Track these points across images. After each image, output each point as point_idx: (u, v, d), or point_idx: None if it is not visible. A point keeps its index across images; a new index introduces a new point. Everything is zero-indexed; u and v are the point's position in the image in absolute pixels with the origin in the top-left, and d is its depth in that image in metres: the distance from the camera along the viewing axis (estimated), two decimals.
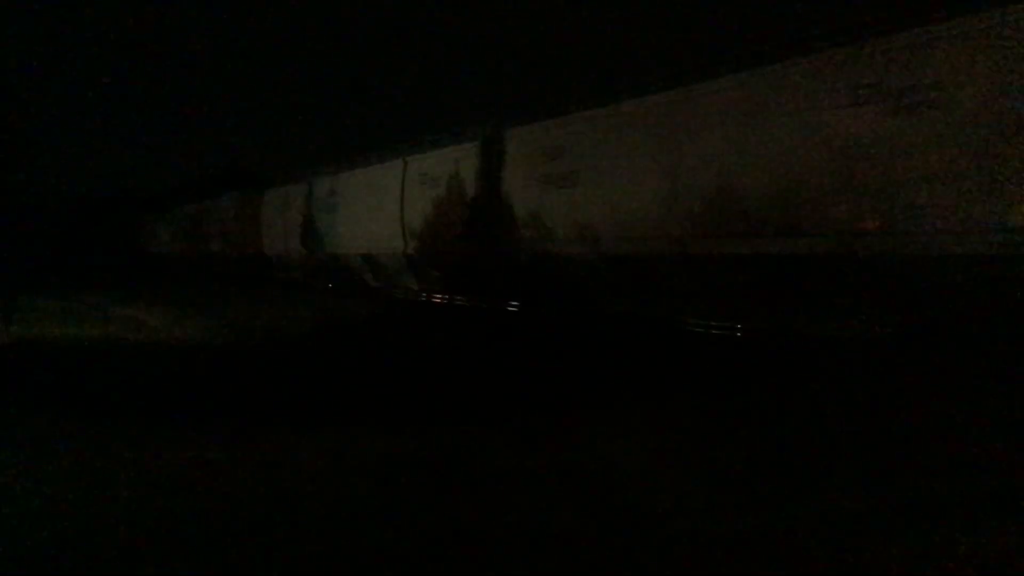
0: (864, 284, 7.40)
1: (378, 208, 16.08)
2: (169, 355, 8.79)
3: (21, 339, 9.46)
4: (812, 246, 7.71)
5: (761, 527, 3.32)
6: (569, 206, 10.88)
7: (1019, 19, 6.30)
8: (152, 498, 3.71)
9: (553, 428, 5.14)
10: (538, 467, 4.21)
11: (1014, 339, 6.07)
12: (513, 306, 13.18)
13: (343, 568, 2.98)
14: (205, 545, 3.15)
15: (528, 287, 12.31)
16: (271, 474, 4.12)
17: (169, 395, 6.41)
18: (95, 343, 9.53)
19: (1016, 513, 3.45)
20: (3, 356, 8.43)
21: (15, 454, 4.45)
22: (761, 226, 8.15)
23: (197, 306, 14.77)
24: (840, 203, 7.48)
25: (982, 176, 6.46)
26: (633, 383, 6.85)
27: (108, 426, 5.19)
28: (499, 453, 4.50)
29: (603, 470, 4.18)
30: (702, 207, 8.89)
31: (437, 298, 15.52)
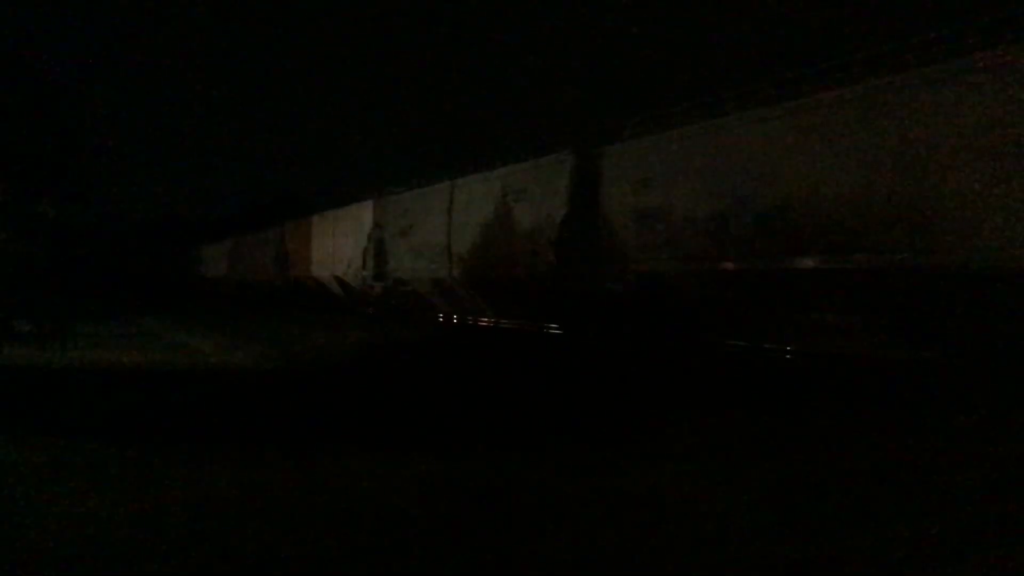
0: None
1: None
2: (222, 380, 8.96)
3: (77, 363, 9.73)
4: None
5: (809, 553, 3.25)
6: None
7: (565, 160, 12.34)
8: (205, 519, 3.78)
9: (598, 452, 5.10)
10: (585, 492, 4.18)
11: None
12: (554, 329, 13.22)
13: None
14: (257, 567, 3.19)
15: None
16: (320, 496, 4.17)
17: (221, 419, 6.53)
18: (149, 368, 9.76)
19: None
20: (60, 380, 8.68)
21: (70, 477, 4.56)
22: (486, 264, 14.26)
23: (249, 331, 15.05)
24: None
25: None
26: (676, 405, 6.75)
27: (161, 449, 5.31)
28: (545, 479, 4.49)
29: (649, 495, 4.13)
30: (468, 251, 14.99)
31: (482, 321, 15.59)
